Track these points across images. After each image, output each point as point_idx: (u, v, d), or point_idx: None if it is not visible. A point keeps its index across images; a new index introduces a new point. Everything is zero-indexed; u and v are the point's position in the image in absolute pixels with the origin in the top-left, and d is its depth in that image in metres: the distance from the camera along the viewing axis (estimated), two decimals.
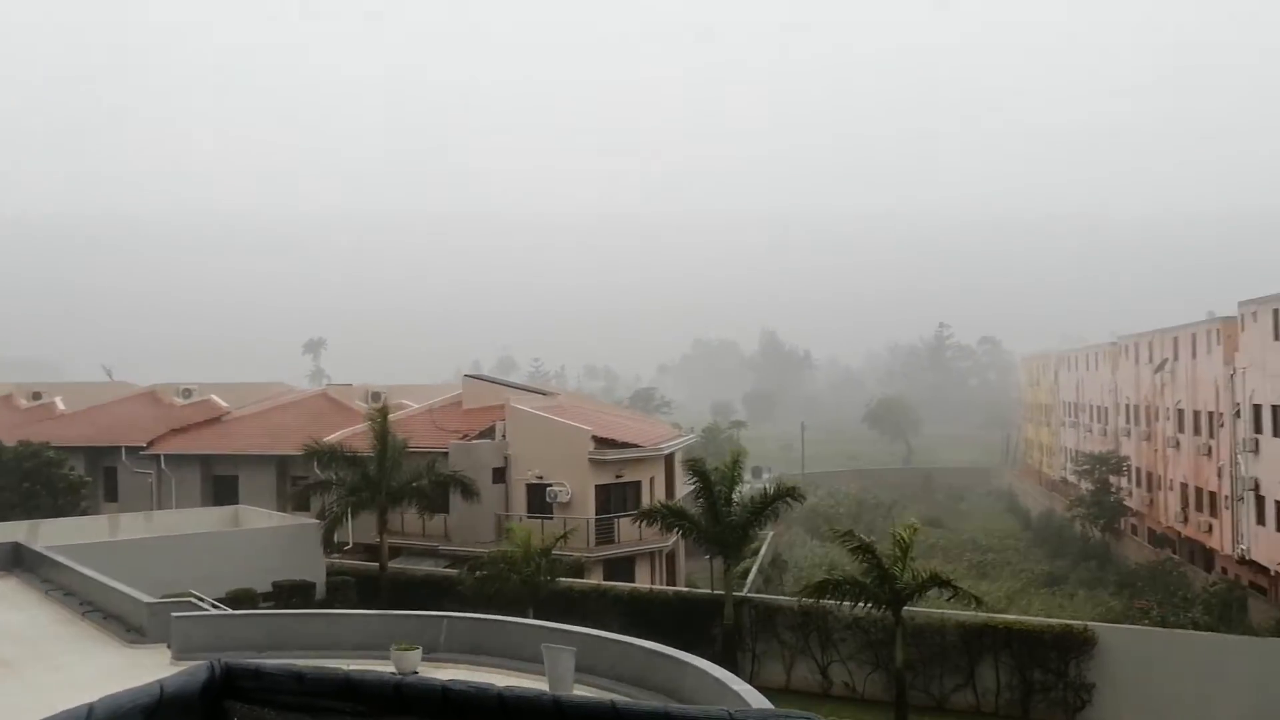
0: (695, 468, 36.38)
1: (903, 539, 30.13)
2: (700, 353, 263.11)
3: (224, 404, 55.24)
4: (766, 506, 35.81)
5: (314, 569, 35.75)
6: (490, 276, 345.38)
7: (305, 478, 44.43)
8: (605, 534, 43.33)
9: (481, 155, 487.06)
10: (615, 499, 44.05)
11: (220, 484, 49.38)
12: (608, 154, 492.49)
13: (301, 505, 45.24)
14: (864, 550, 30.06)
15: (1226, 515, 50.43)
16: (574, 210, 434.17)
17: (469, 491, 39.77)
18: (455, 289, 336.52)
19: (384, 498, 38.17)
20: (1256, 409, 46.48)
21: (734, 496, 36.33)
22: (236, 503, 43.61)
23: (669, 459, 49.57)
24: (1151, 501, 64.28)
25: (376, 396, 56.71)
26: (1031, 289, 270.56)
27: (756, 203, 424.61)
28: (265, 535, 36.36)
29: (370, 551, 41.37)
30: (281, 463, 48.67)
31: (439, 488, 40.20)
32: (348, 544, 43.00)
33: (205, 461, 49.99)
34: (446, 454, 43.67)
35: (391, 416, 41.22)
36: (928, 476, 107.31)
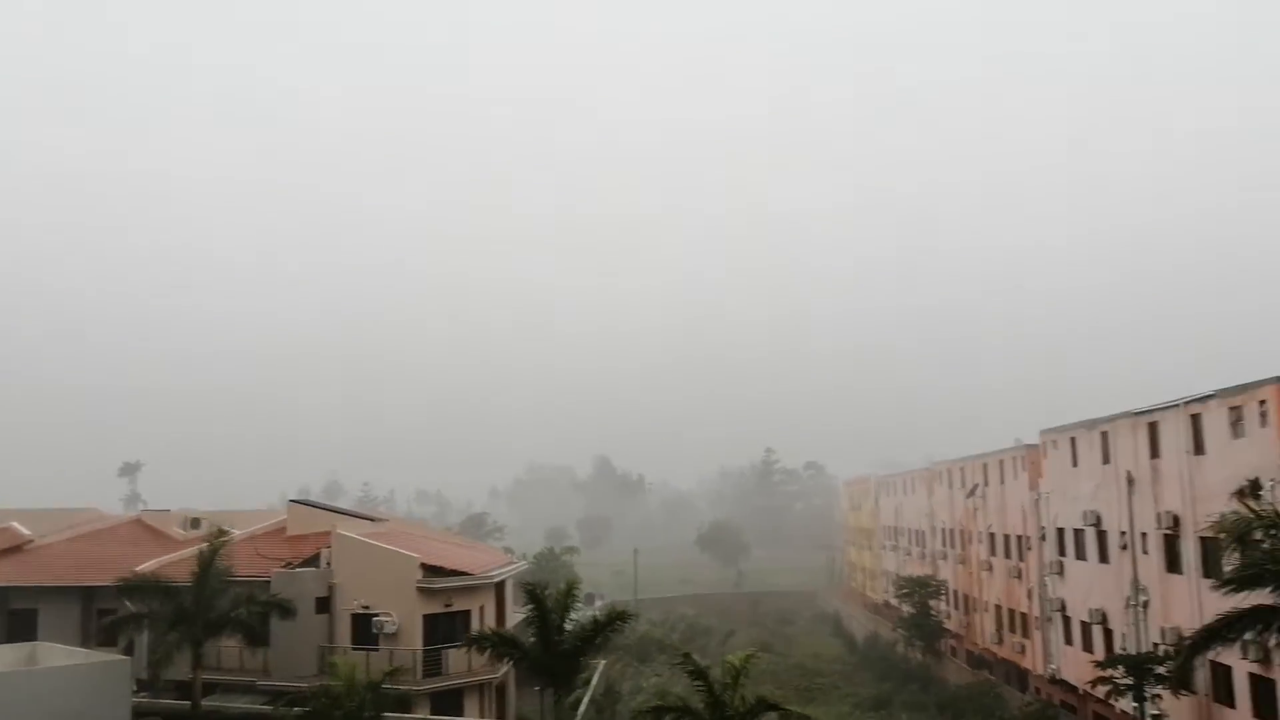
0: (532, 592, 36.18)
1: (734, 665, 30.51)
2: (534, 477, 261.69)
3: (25, 531, 52.04)
4: (599, 633, 35.74)
5: (119, 711, 33.68)
6: (316, 399, 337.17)
7: (114, 610, 42.09)
8: (433, 665, 42.26)
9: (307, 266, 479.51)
10: (444, 629, 43.11)
11: (16, 619, 46.23)
12: (449, 272, 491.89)
13: (108, 641, 42.73)
14: (698, 675, 30.31)
15: (1037, 636, 52.66)
16: (408, 335, 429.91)
17: (288, 612, 38.51)
18: (282, 410, 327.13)
19: (199, 630, 36.53)
20: (1060, 532, 49.09)
21: (566, 624, 36.17)
22: (34, 639, 40.86)
23: (500, 587, 48.95)
24: (969, 623, 66.52)
25: (196, 523, 54.55)
26: (854, 413, 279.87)
27: (586, 327, 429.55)
28: (64, 675, 34.05)
29: (183, 689, 39.29)
30: (88, 595, 46.04)
31: (259, 618, 38.72)
32: (159, 682, 40.76)
33: (1, 595, 46.88)
34: (269, 583, 42.17)
35: (212, 544, 39.71)
36: (757, 600, 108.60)
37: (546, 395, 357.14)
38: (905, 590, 72.13)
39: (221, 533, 41.70)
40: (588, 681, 52.12)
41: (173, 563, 44.33)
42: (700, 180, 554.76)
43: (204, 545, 39.14)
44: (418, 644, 41.92)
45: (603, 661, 57.29)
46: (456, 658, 42.20)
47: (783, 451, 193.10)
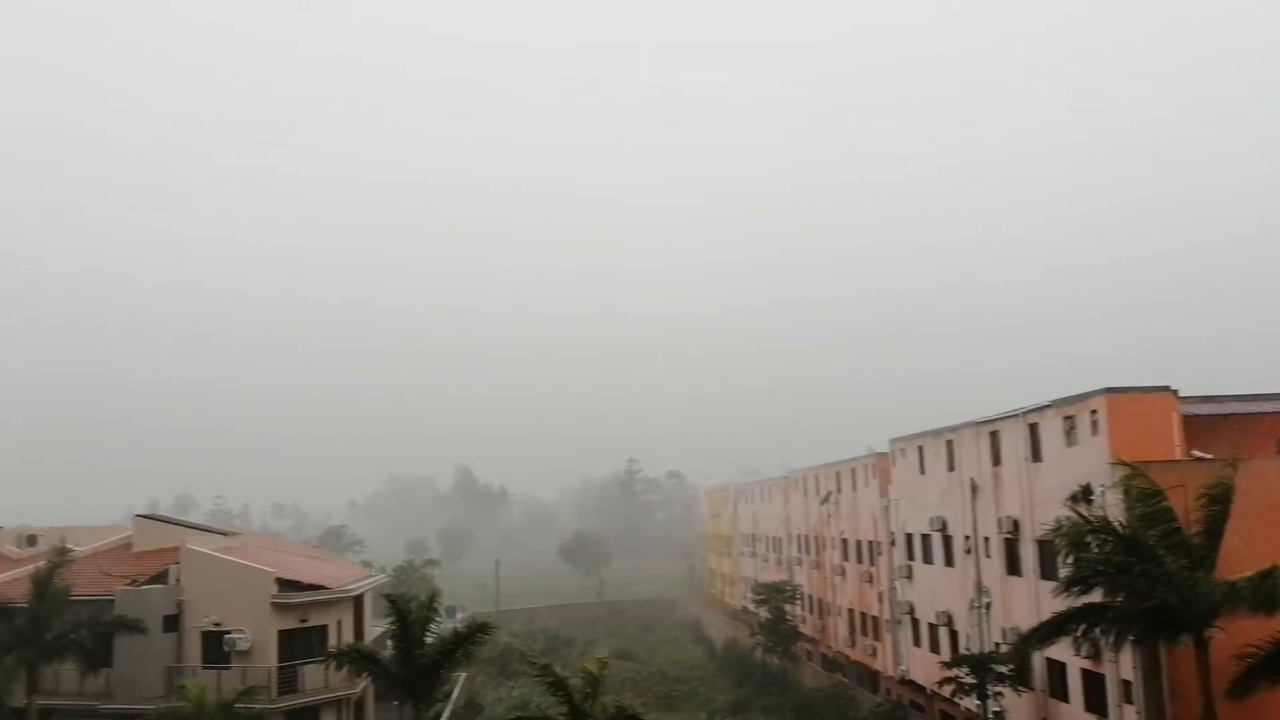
0: (394, 604, 35.91)
1: (593, 674, 30.80)
2: (394, 489, 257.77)
3: None
4: (459, 646, 35.68)
5: None
6: (164, 404, 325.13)
7: None
8: (289, 683, 41.42)
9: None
10: (300, 644, 42.31)
11: None
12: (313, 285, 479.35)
13: None
14: (557, 686, 30.50)
15: (888, 638, 54.36)
16: (265, 342, 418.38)
17: (133, 631, 37.34)
18: (128, 419, 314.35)
19: (35, 653, 35.07)
20: (909, 537, 50.82)
21: (426, 637, 35.98)
22: None
23: (358, 601, 48.28)
24: (823, 627, 68.21)
25: (32, 540, 52.31)
26: (717, 422, 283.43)
27: (449, 334, 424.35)
28: None
29: (20, 716, 37.64)
30: None
31: (100, 638, 37.39)
32: None
33: None
34: (113, 601, 40.71)
35: (51, 561, 38.17)
36: (619, 609, 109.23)
37: (407, 406, 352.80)
38: (762, 596, 73.56)
39: (61, 550, 40.12)
40: (448, 695, 51.80)
41: (5, 582, 42.45)
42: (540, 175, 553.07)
43: (41, 563, 37.58)
44: (272, 661, 41.05)
45: (464, 674, 56.99)
46: (313, 674, 41.48)
47: (645, 461, 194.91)
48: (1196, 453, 32.57)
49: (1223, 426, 35.14)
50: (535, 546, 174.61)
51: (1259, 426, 36.03)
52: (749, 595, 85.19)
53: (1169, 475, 28.46)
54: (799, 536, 74.53)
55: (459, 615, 78.92)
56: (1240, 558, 26.03)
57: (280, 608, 41.67)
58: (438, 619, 38.05)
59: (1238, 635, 25.18)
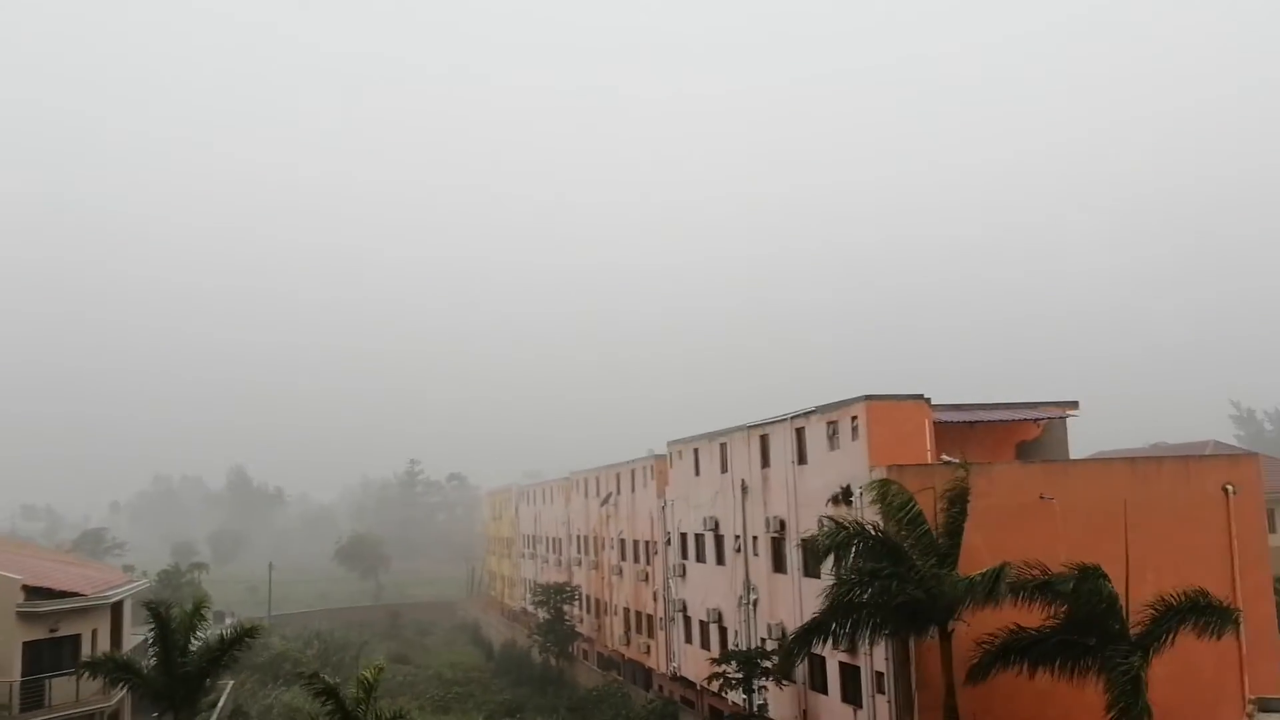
0: (155, 611, 34.40)
1: (367, 679, 30.41)
2: (161, 490, 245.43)
3: None
4: (224, 653, 34.54)
5: None
6: None
7: None
8: (34, 697, 38.95)
9: None
10: (49, 656, 39.83)
11: None
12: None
13: None
14: (328, 693, 29.93)
15: (661, 636, 55.68)
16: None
17: None
18: None
19: None
20: (683, 537, 52.24)
21: (191, 644, 34.69)
22: None
23: (116, 608, 45.89)
24: (600, 626, 69.18)
25: None
26: (499, 424, 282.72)
27: (226, 334, 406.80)
28: None
29: None
30: None
31: None
32: None
33: None
34: None
35: None
36: (397, 612, 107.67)
37: (175, 404, 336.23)
38: (541, 597, 74.00)
39: None
40: (214, 704, 49.87)
41: None
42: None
43: None
44: (15, 675, 38.51)
45: (231, 682, 55.02)
46: (63, 687, 39.19)
47: (427, 463, 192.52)
48: (945, 457, 34.81)
49: (970, 433, 37.71)
50: (311, 549, 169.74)
51: (1002, 433, 38.89)
52: (528, 596, 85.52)
53: (920, 478, 30.42)
54: (579, 537, 75.32)
55: (228, 621, 75.99)
56: (982, 556, 28.02)
57: (27, 617, 39.17)
58: (205, 625, 36.74)
59: (978, 627, 27.20)
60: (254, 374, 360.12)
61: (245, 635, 35.18)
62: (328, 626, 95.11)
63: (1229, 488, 33.37)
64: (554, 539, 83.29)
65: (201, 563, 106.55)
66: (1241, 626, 28.06)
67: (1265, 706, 25.63)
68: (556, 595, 72.07)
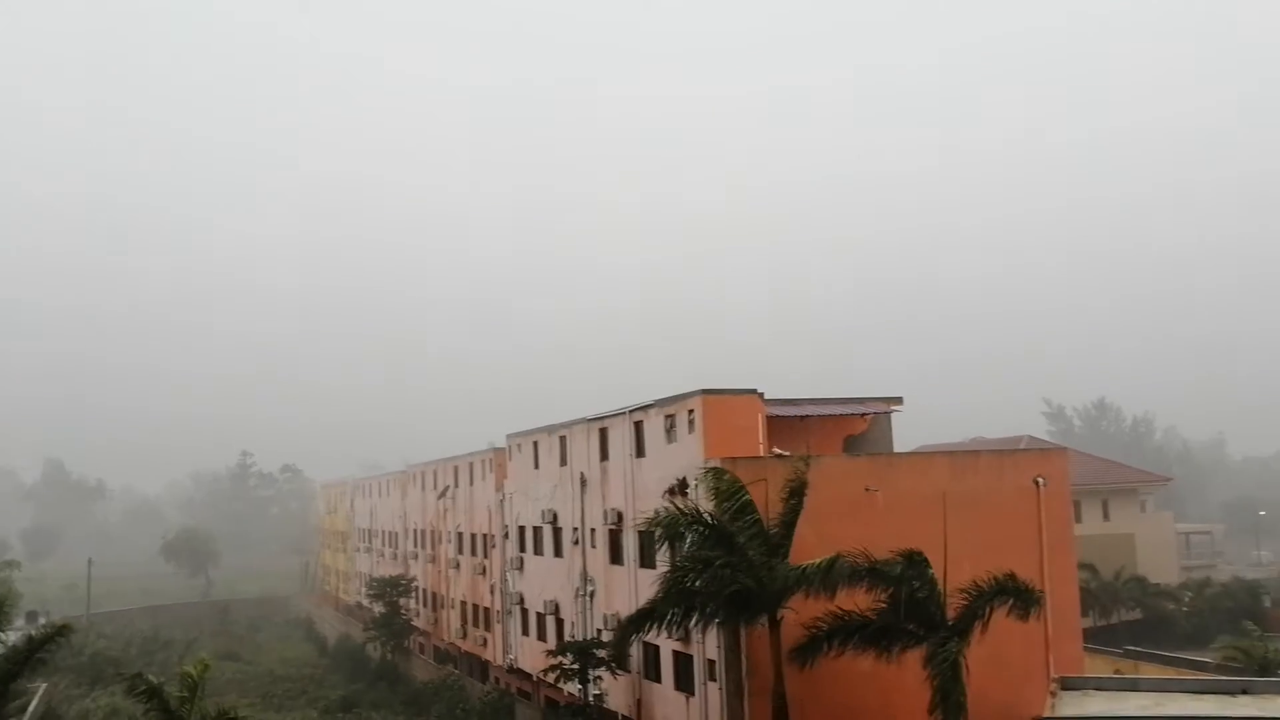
0: None
1: (192, 677, 29.50)
2: None
3: None
4: (32, 654, 32.99)
5: None
6: None
7: None
8: None
9: None
10: None
11: None
12: None
13: None
14: (150, 694, 28.94)
15: (498, 628, 55.62)
16: None
17: None
18: None
19: None
20: (521, 530, 52.27)
21: None
22: None
23: None
24: (437, 620, 68.66)
25: None
26: (337, 415, 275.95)
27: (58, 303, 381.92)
28: None
29: None
30: None
31: None
32: None
33: None
34: None
35: None
36: (226, 609, 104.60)
37: None
38: (376, 591, 73.01)
39: None
40: (24, 709, 47.52)
41: None
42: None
43: None
44: None
45: (44, 685, 52.50)
46: None
47: (260, 455, 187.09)
48: (777, 450, 35.76)
49: (801, 427, 38.84)
50: (135, 544, 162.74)
51: (831, 427, 40.19)
52: (364, 591, 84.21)
53: (754, 470, 31.19)
54: (416, 531, 74.57)
55: (41, 620, 72.48)
56: (810, 545, 28.91)
57: None
58: (16, 626, 35.02)
59: (806, 615, 28.09)
60: (64, 346, 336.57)
61: (56, 635, 33.61)
62: (152, 625, 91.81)
63: (1039, 480, 35.30)
64: (390, 532, 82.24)
65: (12, 560, 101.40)
66: (1047, 610, 29.70)
67: (1067, 685, 27.20)
68: (392, 589, 71.18)
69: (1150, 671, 42.50)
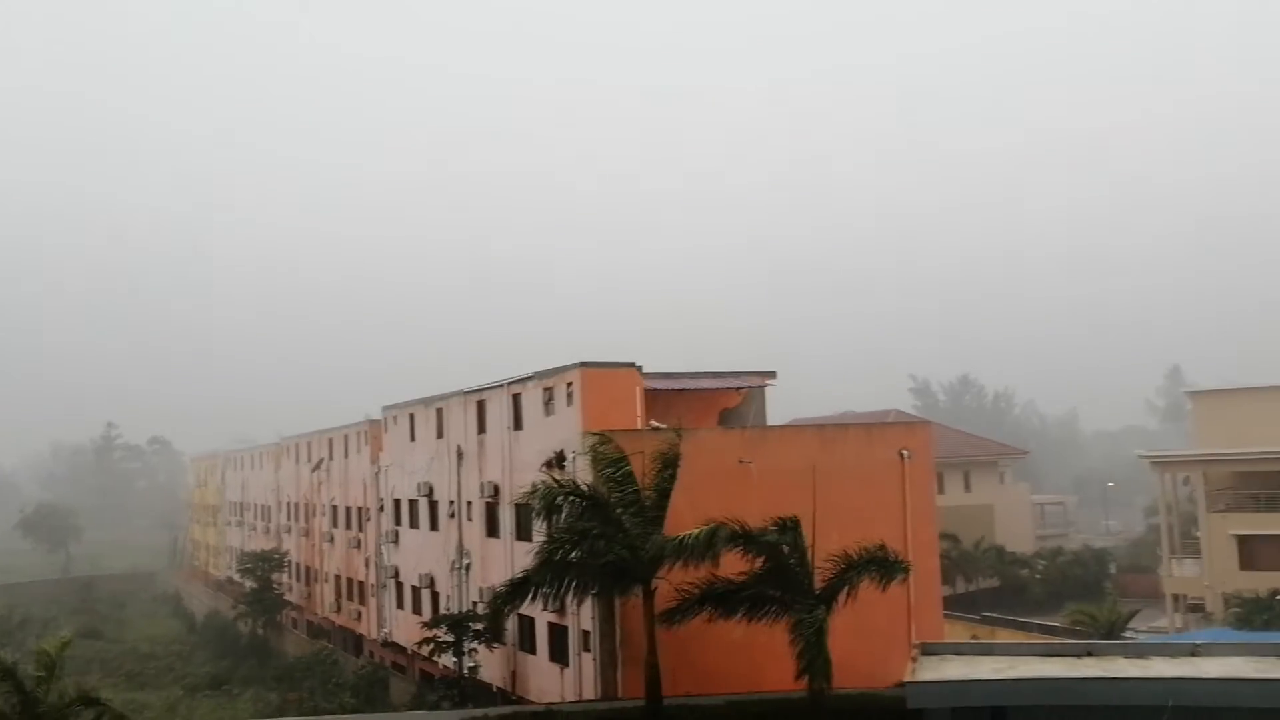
0: None
1: (49, 656, 28.65)
2: None
3: None
4: None
5: None
6: None
7: None
8: None
9: None
10: None
11: None
12: None
13: None
14: (2, 674, 27.98)
15: (373, 602, 55.19)
16: None
17: None
18: None
19: None
20: (397, 503, 51.90)
21: None
22: None
23: None
24: (310, 594, 67.77)
25: None
26: (207, 388, 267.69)
27: None
28: None
29: None
30: None
31: None
32: None
33: None
34: None
35: None
36: (89, 585, 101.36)
37: None
38: (248, 565, 71.70)
39: None
40: None
41: None
42: None
43: None
44: None
45: None
46: None
47: (125, 427, 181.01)
48: (654, 423, 36.21)
49: (678, 400, 39.33)
50: None
51: (707, 400, 40.81)
52: (235, 565, 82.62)
53: (631, 443, 31.42)
54: (289, 504, 73.39)
55: None
56: (685, 516, 29.32)
57: None
58: None
59: (678, 585, 28.56)
60: None
61: None
62: (6, 603, 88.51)
63: (904, 453, 36.44)
64: (263, 506, 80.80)
65: None
66: (911, 579, 30.78)
67: (927, 650, 28.14)
68: (264, 563, 69.99)
69: (1005, 636, 44.51)
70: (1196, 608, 57.31)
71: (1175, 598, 58.52)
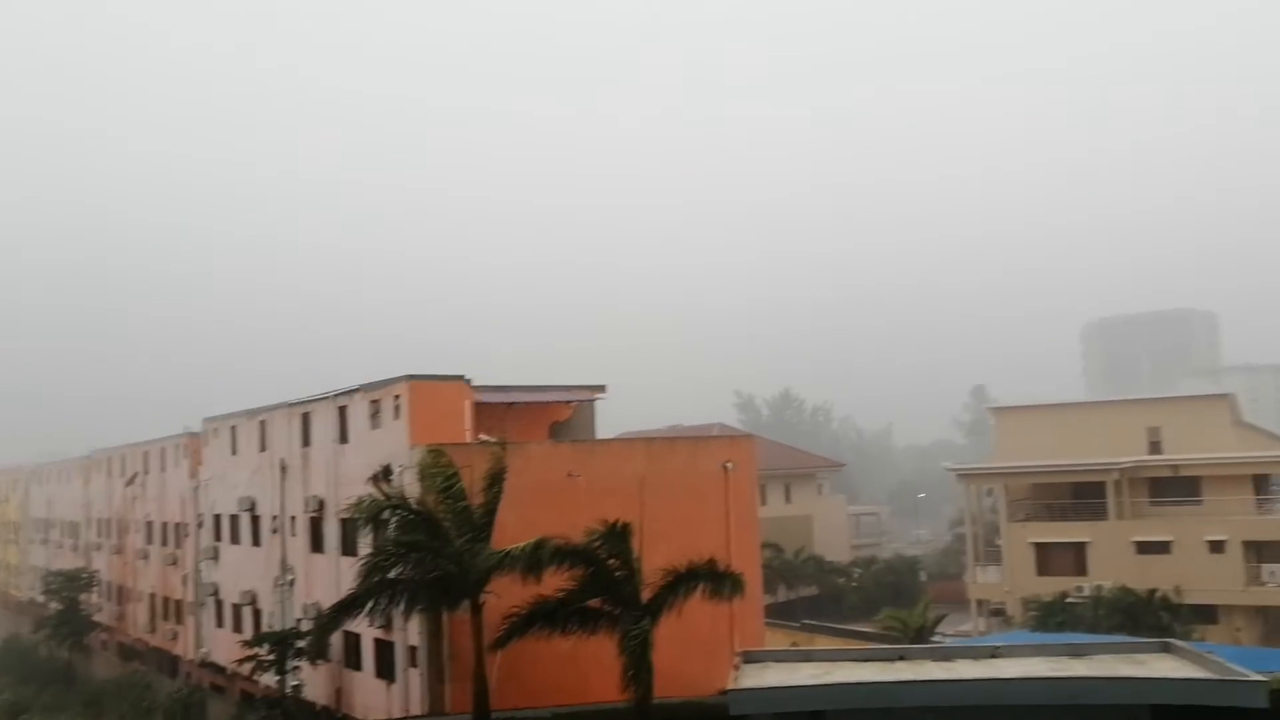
0: None
1: None
2: None
3: None
4: None
5: None
6: None
7: None
8: None
9: None
10: None
11: None
12: None
13: None
14: None
15: (190, 621, 53.38)
16: None
17: None
18: None
19: None
20: (217, 519, 50.39)
21: None
22: None
23: None
24: (122, 615, 65.00)
25: None
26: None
27: None
28: None
29: None
30: None
31: None
32: None
33: None
34: None
35: None
36: None
37: None
38: (53, 586, 68.24)
39: None
40: None
41: None
42: None
43: None
44: None
45: None
46: None
47: None
48: (483, 436, 36.31)
49: (508, 413, 39.52)
50: None
51: (537, 414, 41.14)
52: (39, 586, 78.44)
53: (460, 457, 31.51)
54: (100, 520, 70.29)
55: None
56: (513, 530, 29.59)
57: None
58: None
59: (507, 598, 28.78)
60: None
61: None
62: None
63: (728, 465, 37.56)
64: (71, 522, 77.02)
65: None
66: None
67: (749, 658, 29.13)
68: (71, 583, 66.72)
69: (823, 643, 46.17)
70: (998, 612, 60.78)
71: (979, 603, 61.87)
